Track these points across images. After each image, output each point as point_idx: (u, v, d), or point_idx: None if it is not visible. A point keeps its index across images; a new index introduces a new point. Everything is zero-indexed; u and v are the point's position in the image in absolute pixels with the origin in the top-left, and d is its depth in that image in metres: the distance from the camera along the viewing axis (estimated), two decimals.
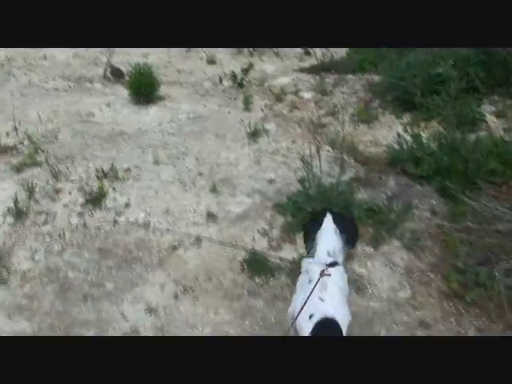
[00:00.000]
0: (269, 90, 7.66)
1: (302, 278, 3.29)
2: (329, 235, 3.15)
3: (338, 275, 3.05)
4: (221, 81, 7.99)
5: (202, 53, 8.93)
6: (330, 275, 2.95)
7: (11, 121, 6.97)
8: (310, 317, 2.89)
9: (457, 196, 4.96)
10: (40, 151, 6.35)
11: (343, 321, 2.90)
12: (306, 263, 3.25)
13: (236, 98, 7.47)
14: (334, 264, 3.06)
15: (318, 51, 8.63)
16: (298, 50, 8.87)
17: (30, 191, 5.61)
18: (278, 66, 8.45)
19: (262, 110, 7.06)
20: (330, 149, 6.07)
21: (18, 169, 6.03)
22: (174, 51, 9.14)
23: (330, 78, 7.83)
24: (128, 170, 5.90)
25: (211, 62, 8.69)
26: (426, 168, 5.41)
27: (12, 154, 6.42)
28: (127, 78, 7.85)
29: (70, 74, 8.50)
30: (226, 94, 7.65)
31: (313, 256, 3.20)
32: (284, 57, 8.76)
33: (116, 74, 8.21)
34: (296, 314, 2.96)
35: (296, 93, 7.50)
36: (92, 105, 7.45)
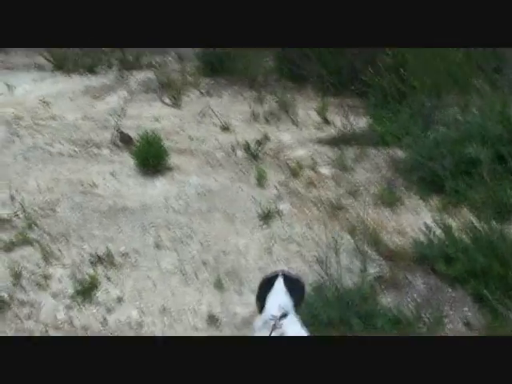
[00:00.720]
0: (285, 164, 7.08)
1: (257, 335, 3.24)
2: (280, 293, 3.23)
3: (291, 322, 3.08)
4: (234, 151, 7.44)
5: (216, 118, 8.43)
6: (281, 328, 2.97)
7: (9, 188, 6.47)
8: None
9: (495, 306, 4.26)
10: (34, 226, 5.79)
11: None
12: (260, 320, 3.25)
13: (249, 171, 6.90)
14: (285, 315, 3.09)
15: (338, 121, 8.09)
16: (317, 119, 8.32)
17: (17, 276, 5.01)
18: (296, 136, 7.90)
19: (277, 187, 6.45)
20: (349, 237, 5.41)
21: (8, 248, 5.47)
22: (188, 116, 8.66)
23: (350, 152, 7.25)
24: (126, 254, 5.31)
25: (225, 128, 8.17)
26: (459, 268, 4.73)
27: (4, 228, 5.88)
28: (135, 144, 7.36)
29: (77, 138, 8.03)
30: (239, 166, 7.09)
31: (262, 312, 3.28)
32: (302, 125, 8.21)
33: (124, 140, 7.71)
34: None
35: (313, 167, 6.92)
36: (96, 174, 6.94)
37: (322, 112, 8.27)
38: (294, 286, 3.35)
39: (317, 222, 5.78)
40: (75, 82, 9.98)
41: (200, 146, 7.72)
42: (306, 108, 8.66)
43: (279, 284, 3.28)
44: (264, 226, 5.71)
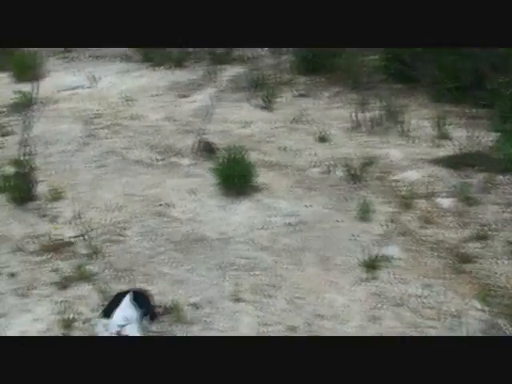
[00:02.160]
0: (393, 189, 5.78)
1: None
2: (126, 307, 3.59)
3: (132, 331, 3.42)
4: (332, 170, 6.21)
5: (312, 126, 7.22)
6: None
7: (76, 203, 5.62)
8: None
9: None
10: (97, 255, 4.89)
11: None
12: (101, 324, 3.58)
13: (350, 197, 5.67)
14: (127, 324, 3.43)
15: (459, 135, 6.65)
16: (432, 132, 6.91)
17: (67, 325, 4.11)
18: (406, 153, 6.55)
19: (384, 222, 5.18)
20: (480, 305, 4.09)
21: (63, 285, 4.58)
22: (280, 121, 7.50)
23: (473, 178, 5.82)
24: (196, 306, 4.26)
25: (322, 139, 6.93)
26: None
27: (63, 255, 5.02)
28: (218, 155, 6.33)
29: (157, 143, 7.09)
30: (338, 189, 5.87)
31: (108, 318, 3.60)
32: (414, 139, 6.83)
33: (207, 149, 6.68)
34: None
35: (430, 197, 5.58)
36: (173, 190, 5.97)
37: (439, 123, 6.84)
38: (142, 300, 3.71)
39: (437, 278, 4.48)
40: (161, 77, 9.05)
41: (292, 161, 6.55)
42: (419, 117, 7.25)
43: (126, 300, 3.60)
44: (368, 280, 4.49)
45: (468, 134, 6.52)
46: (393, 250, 4.79)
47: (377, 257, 4.61)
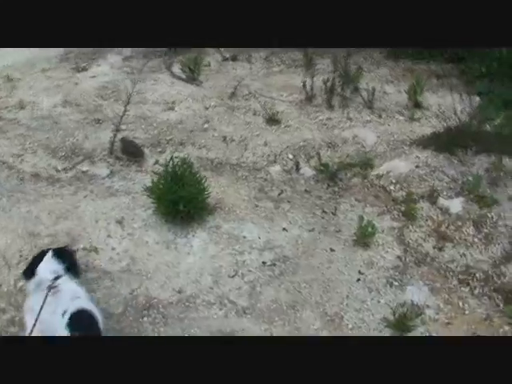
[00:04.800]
0: (382, 191, 4.38)
1: (31, 299, 3.06)
2: (49, 261, 3.17)
3: (67, 282, 3.05)
4: (298, 168, 4.69)
5: (254, 102, 5.59)
6: (57, 287, 2.94)
7: None
8: (63, 314, 2.78)
9: None
10: None
11: (96, 311, 2.87)
12: (32, 283, 3.12)
13: (334, 209, 4.20)
14: (58, 277, 3.05)
15: (434, 102, 5.32)
16: (400, 98, 5.53)
17: None
18: (379, 133, 5.14)
19: (390, 249, 3.79)
20: None
21: None
22: (213, 98, 5.79)
23: (475, 163, 4.54)
24: None
25: (272, 120, 5.34)
26: None
27: None
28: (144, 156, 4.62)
29: (58, 143, 5.18)
30: (313, 197, 4.39)
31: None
32: (383, 112, 5.42)
33: (130, 152, 4.89)
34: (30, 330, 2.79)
35: (432, 198, 4.24)
36: (92, 221, 4.19)
37: (411, 90, 5.45)
38: (63, 254, 3.28)
39: (481, 324, 3.21)
40: None
41: (241, 156, 4.94)
42: (379, 79, 5.86)
43: (48, 256, 3.20)
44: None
45: (446, 100, 5.19)
46: (419, 294, 3.42)
47: (406, 312, 3.22)
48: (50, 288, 2.92)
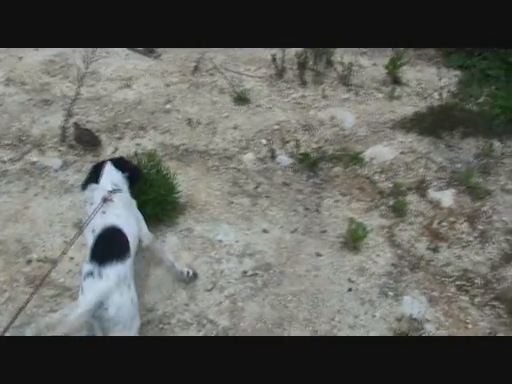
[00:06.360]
0: (367, 182, 3.98)
1: (87, 207, 3.06)
2: (110, 171, 3.09)
3: (122, 198, 2.97)
4: (273, 155, 4.22)
5: (218, 77, 5.04)
6: (112, 200, 2.88)
7: None
8: (93, 231, 2.75)
9: None
10: None
11: (128, 230, 2.77)
12: (90, 190, 3.09)
13: (316, 206, 3.79)
14: (116, 191, 2.98)
15: (412, 78, 4.92)
16: (376, 73, 5.09)
17: None
18: (358, 113, 4.71)
19: (381, 252, 3.43)
20: None
21: None
22: (174, 73, 5.20)
23: (464, 148, 4.20)
24: None
25: (240, 99, 4.82)
26: None
27: None
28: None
29: (2, 130, 4.52)
30: (293, 191, 3.94)
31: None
32: (360, 89, 4.97)
33: (84, 140, 4.29)
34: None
35: (421, 189, 3.88)
36: (46, 224, 3.65)
37: (392, 66, 5.01)
38: (126, 165, 3.20)
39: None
40: None
41: (210, 141, 4.43)
42: (352, 51, 5.36)
43: (108, 166, 3.11)
44: None
45: (425, 74, 4.79)
46: (416, 306, 3.08)
47: (409, 328, 2.87)
48: (104, 200, 2.89)
